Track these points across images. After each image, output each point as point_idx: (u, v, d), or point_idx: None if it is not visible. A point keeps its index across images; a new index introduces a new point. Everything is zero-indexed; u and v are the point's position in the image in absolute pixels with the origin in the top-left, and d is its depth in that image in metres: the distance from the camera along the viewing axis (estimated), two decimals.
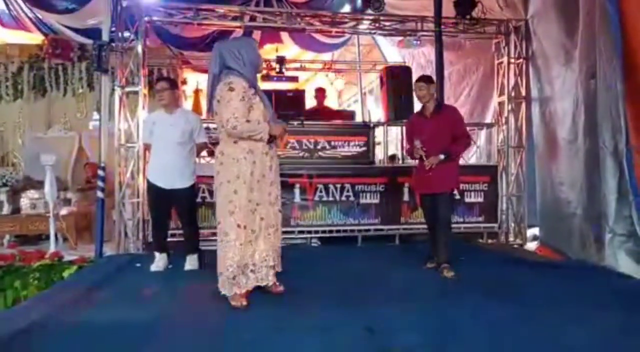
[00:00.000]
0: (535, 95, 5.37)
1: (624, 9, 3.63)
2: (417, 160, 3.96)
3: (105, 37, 4.76)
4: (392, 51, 8.67)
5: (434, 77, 4.16)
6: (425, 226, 5.17)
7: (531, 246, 5.30)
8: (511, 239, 5.51)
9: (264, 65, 7.77)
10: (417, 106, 6.73)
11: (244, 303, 2.88)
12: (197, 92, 8.81)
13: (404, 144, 4.82)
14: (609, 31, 3.74)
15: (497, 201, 5.52)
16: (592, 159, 4.14)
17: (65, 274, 3.84)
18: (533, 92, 5.41)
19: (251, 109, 2.88)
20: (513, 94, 5.56)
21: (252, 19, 5.43)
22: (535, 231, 5.40)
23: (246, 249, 2.92)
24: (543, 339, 2.44)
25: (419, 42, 6.34)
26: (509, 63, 5.55)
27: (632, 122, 3.58)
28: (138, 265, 4.12)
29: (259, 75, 8.39)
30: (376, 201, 5.29)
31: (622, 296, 3.15)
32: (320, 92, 6.94)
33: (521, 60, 5.51)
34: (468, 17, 5.39)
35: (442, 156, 3.73)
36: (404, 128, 4.67)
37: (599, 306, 2.91)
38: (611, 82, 3.71)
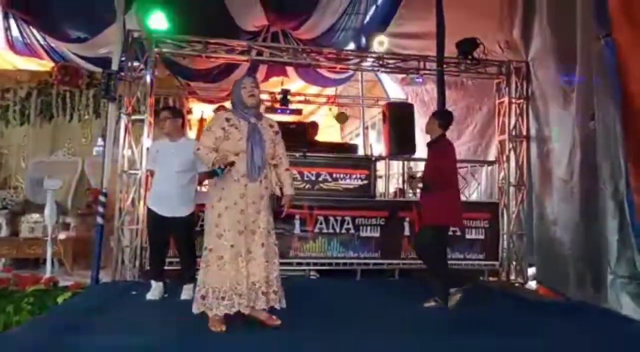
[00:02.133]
0: (533, 135, 5.45)
1: (621, 54, 3.73)
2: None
3: (114, 66, 4.86)
4: (394, 87, 8.84)
5: (436, 114, 4.23)
6: None
7: (532, 284, 5.24)
8: (512, 277, 5.45)
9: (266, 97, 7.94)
10: (422, 141, 6.85)
11: (223, 329, 2.93)
12: (201, 121, 8.91)
13: None
14: (606, 75, 3.82)
15: (499, 239, 5.49)
16: (588, 200, 4.15)
17: (60, 299, 3.78)
18: (531, 131, 5.49)
19: (226, 139, 3.04)
20: (514, 133, 5.63)
21: (259, 53, 5.57)
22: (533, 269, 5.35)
23: (216, 274, 2.93)
24: None
25: (421, 80, 6.47)
26: (510, 103, 5.64)
27: (632, 163, 3.61)
28: (134, 293, 4.07)
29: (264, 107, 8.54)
30: (376, 234, 5.26)
31: (628, 340, 3.09)
32: (311, 127, 7.07)
33: (522, 100, 5.60)
34: (470, 57, 5.53)
35: (420, 185, 3.93)
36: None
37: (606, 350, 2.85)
38: (610, 123, 3.76)
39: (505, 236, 5.52)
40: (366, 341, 2.90)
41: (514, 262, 5.49)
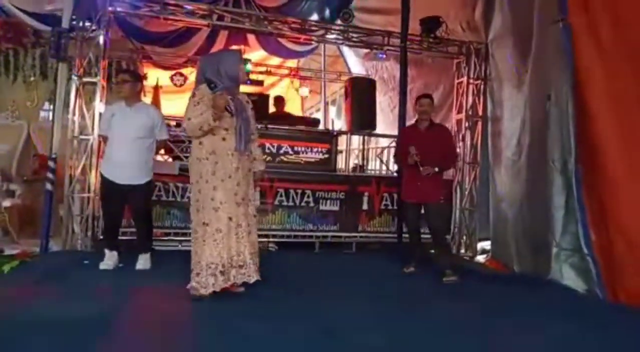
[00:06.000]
0: (487, 115, 5.62)
1: (576, 35, 3.87)
2: (403, 171, 4.34)
3: (65, 24, 4.56)
4: (356, 63, 8.82)
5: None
6: (382, 235, 5.41)
7: (480, 258, 5.50)
8: (462, 251, 5.69)
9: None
10: (380, 118, 6.93)
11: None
12: (156, 88, 8.58)
13: (394, 151, 4.82)
14: (561, 56, 3.97)
15: (451, 215, 5.69)
16: (536, 177, 4.34)
17: (6, 268, 3.59)
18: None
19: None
20: (470, 112, 5.78)
21: (220, 18, 5.37)
22: (485, 244, 5.60)
23: (213, 248, 2.93)
24: (494, 343, 2.54)
25: (384, 56, 6.48)
26: (468, 83, 5.77)
27: (581, 141, 3.80)
28: (86, 262, 3.94)
29: None
30: (336, 208, 5.33)
31: (565, 308, 3.32)
32: (279, 101, 7.08)
33: (480, 81, 5.74)
34: (432, 35, 5.58)
35: (436, 169, 4.04)
36: (400, 135, 4.75)
37: (543, 316, 3.05)
38: (563, 104, 3.94)
39: (457, 212, 5.74)
40: (332, 308, 3.02)
41: (465, 237, 5.73)
